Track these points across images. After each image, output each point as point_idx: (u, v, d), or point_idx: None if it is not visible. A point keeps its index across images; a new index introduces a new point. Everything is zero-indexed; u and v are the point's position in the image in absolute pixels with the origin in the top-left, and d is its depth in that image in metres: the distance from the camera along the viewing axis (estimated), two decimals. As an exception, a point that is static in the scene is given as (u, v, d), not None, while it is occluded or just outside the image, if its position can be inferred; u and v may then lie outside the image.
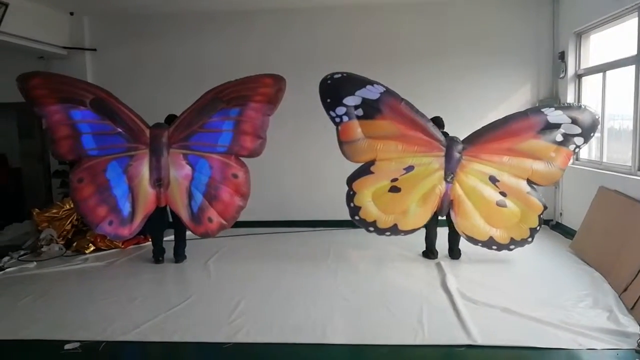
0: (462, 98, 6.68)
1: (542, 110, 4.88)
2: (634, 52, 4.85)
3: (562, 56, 6.40)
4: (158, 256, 5.49)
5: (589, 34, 6.07)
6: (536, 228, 5.00)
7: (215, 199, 5.30)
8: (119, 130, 5.11)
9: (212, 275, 5.05)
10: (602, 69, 5.65)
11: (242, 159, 5.34)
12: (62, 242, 6.18)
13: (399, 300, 4.18)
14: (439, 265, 5.04)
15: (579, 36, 6.19)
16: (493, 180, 4.99)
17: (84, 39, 7.17)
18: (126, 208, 5.22)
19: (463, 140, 5.04)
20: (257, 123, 5.21)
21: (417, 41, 6.81)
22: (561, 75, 6.44)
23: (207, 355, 3.42)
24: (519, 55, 6.70)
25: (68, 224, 6.32)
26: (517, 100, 6.74)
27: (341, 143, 5.00)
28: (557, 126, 4.78)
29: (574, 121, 4.78)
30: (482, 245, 5.13)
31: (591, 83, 6.11)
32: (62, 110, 4.98)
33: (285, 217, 7.16)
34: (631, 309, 3.75)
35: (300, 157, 7.11)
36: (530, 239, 5.05)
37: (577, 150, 4.94)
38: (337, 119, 4.92)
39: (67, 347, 3.43)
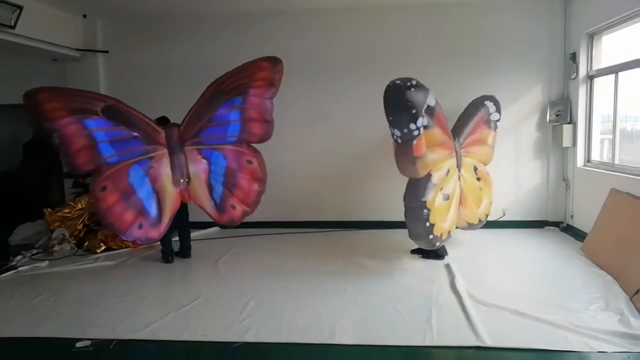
0: (471, 99, 6.65)
1: (484, 102, 5.65)
2: (647, 53, 4.82)
3: (574, 57, 6.34)
4: (168, 256, 5.56)
5: (601, 35, 6.02)
6: (492, 202, 5.75)
7: (235, 187, 5.49)
8: (135, 134, 5.13)
9: (221, 275, 5.09)
10: (614, 70, 5.59)
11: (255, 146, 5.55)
12: (74, 242, 6.27)
13: (407, 301, 4.17)
14: (448, 266, 5.02)
15: (591, 37, 6.13)
16: (475, 169, 5.51)
17: (96, 42, 7.25)
18: (153, 210, 5.24)
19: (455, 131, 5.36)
20: (261, 108, 5.30)
21: (430, 42, 6.78)
22: (573, 77, 6.39)
23: (217, 354, 3.45)
24: (531, 56, 6.65)
25: (80, 223, 6.41)
26: (528, 101, 6.70)
27: (415, 160, 4.49)
28: (491, 114, 5.65)
29: (496, 110, 5.74)
30: (474, 228, 5.67)
31: (603, 84, 6.06)
32: (75, 122, 4.87)
33: (295, 218, 7.18)
34: (643, 312, 3.72)
35: (311, 159, 7.12)
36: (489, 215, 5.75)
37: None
38: (416, 132, 4.38)
39: (78, 345, 3.47)
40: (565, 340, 3.35)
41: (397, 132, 4.43)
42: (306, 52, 6.98)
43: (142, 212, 5.18)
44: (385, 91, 4.40)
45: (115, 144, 5.06)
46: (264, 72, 5.19)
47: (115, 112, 5.04)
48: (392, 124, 4.43)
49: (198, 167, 5.42)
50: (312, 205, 7.15)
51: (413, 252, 5.51)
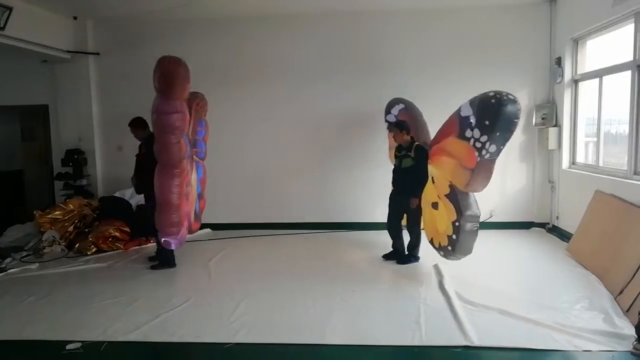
0: (459, 103, 6.73)
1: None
2: (630, 57, 4.93)
3: (559, 62, 6.46)
4: (173, 259, 5.41)
5: (586, 39, 6.14)
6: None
7: (202, 197, 5.96)
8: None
9: (212, 276, 5.10)
10: (599, 74, 5.71)
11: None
12: (64, 244, 6.24)
13: (396, 301, 4.23)
14: (436, 267, 5.07)
15: (576, 42, 6.25)
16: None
17: (87, 43, 7.24)
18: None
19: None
20: (208, 133, 5.96)
21: (415, 47, 6.87)
22: (558, 81, 6.50)
23: (208, 355, 3.46)
24: (516, 60, 6.76)
25: (70, 225, 6.38)
26: (515, 104, 6.78)
27: (490, 177, 4.38)
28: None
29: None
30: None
31: (588, 88, 6.17)
32: (185, 108, 4.66)
33: (285, 220, 7.21)
34: (626, 312, 3.80)
35: (302, 161, 7.16)
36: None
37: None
38: (501, 152, 4.26)
39: (69, 347, 3.48)
40: (551, 339, 3.42)
41: (492, 148, 4.09)
42: (293, 55, 7.04)
43: (188, 213, 5.12)
44: (501, 104, 3.99)
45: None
46: (206, 105, 5.90)
47: None
48: (493, 139, 4.05)
49: (194, 175, 5.52)
50: (300, 206, 7.19)
51: (386, 257, 5.45)
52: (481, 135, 4.08)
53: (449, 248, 4.65)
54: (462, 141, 4.30)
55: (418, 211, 5.18)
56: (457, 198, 4.50)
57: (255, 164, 7.17)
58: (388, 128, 6.07)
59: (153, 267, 5.37)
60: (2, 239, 6.64)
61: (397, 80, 6.81)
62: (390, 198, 5.44)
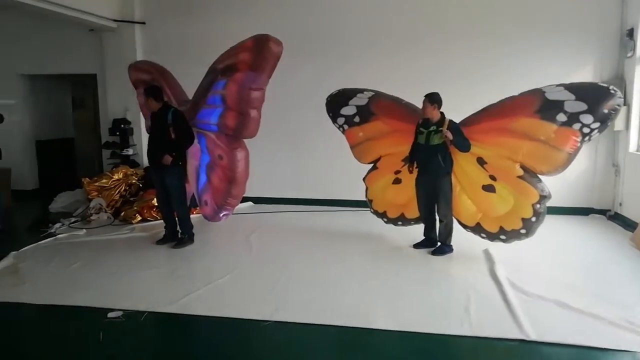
0: (514, 80, 6.09)
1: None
2: None
3: (631, 34, 5.89)
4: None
5: (665, 9, 5.57)
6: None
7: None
8: None
9: (253, 251, 5.04)
10: (679, 48, 5.17)
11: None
12: (111, 212, 6.35)
13: (443, 286, 4.03)
14: (486, 252, 4.79)
15: (653, 12, 5.68)
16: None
17: (133, 13, 7.23)
18: None
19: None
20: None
21: (468, 18, 6.44)
22: (629, 55, 5.94)
23: (246, 331, 3.37)
24: (581, 32, 6.20)
25: (116, 194, 6.48)
26: (577, 80, 6.26)
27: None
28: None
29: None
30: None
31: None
32: None
33: (330, 196, 7.07)
34: (701, 311, 3.45)
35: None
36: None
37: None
38: None
39: (110, 315, 3.49)
40: (616, 337, 3.11)
41: (595, 135, 4.23)
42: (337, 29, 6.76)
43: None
44: (618, 96, 4.13)
45: None
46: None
47: None
48: (604, 127, 4.21)
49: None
50: (346, 183, 6.98)
51: (418, 246, 5.06)
52: (594, 121, 4.12)
53: (523, 231, 4.49)
54: (548, 123, 4.25)
55: (450, 195, 4.80)
56: (533, 180, 4.42)
57: (297, 137, 7.02)
58: (345, 124, 5.45)
59: (177, 245, 5.13)
60: (53, 205, 6.86)
61: (444, 54, 6.46)
62: (418, 183, 4.91)
